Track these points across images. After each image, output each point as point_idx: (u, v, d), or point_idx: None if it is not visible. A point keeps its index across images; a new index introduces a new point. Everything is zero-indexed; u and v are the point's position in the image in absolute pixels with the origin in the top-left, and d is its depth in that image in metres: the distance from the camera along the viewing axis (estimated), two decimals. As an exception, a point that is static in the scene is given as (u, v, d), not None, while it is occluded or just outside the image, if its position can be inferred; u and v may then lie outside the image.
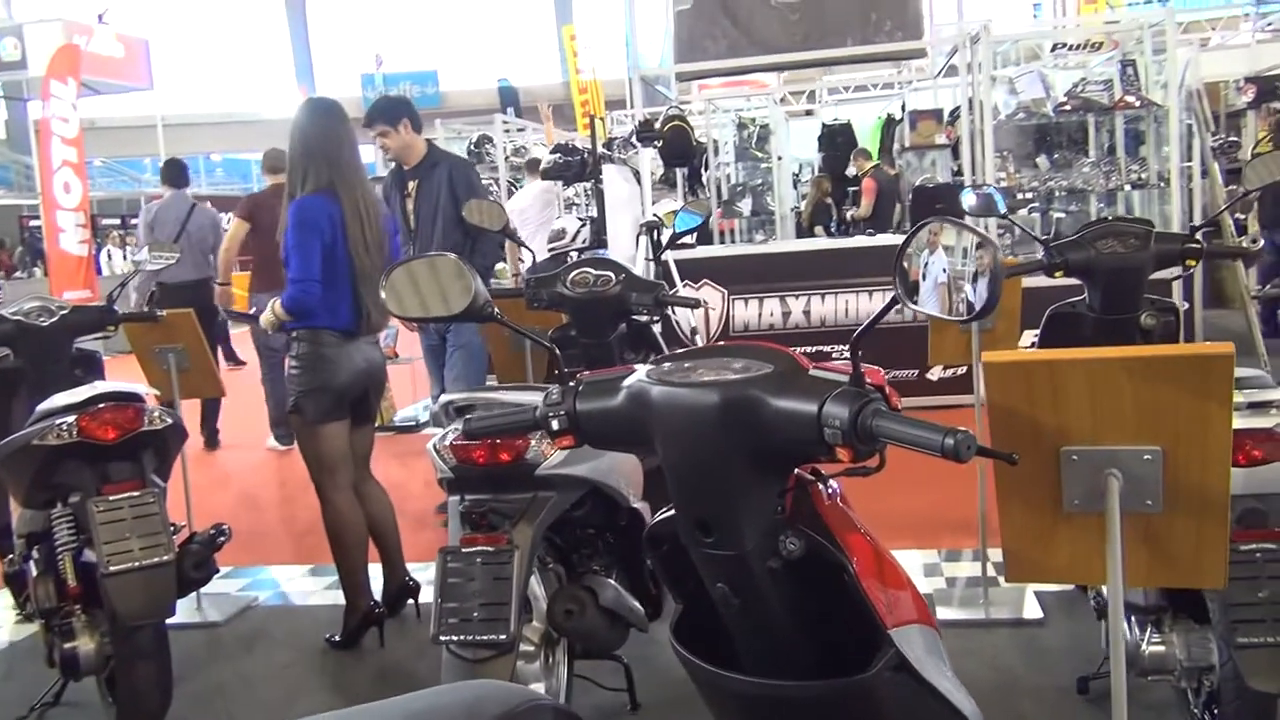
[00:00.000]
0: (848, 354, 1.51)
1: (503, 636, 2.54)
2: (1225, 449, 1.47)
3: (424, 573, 4.58)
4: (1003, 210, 3.65)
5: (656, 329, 3.90)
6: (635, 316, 3.76)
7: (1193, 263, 3.50)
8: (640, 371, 1.64)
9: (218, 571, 3.62)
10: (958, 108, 10.10)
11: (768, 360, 1.55)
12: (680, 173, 9.75)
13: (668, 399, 1.54)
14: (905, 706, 1.59)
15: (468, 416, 1.75)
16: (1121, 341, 3.34)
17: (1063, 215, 7.97)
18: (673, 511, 1.73)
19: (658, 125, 8.34)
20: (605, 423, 1.65)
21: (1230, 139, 8.94)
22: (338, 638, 3.98)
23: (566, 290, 3.72)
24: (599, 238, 7.67)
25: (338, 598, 4.10)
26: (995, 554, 4.38)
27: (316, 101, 4.00)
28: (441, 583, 2.62)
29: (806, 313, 7.57)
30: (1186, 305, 5.67)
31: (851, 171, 12.97)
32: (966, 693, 1.63)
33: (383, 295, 1.78)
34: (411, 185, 5.25)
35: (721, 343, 1.52)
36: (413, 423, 7.92)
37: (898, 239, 7.83)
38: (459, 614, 2.58)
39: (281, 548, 5.52)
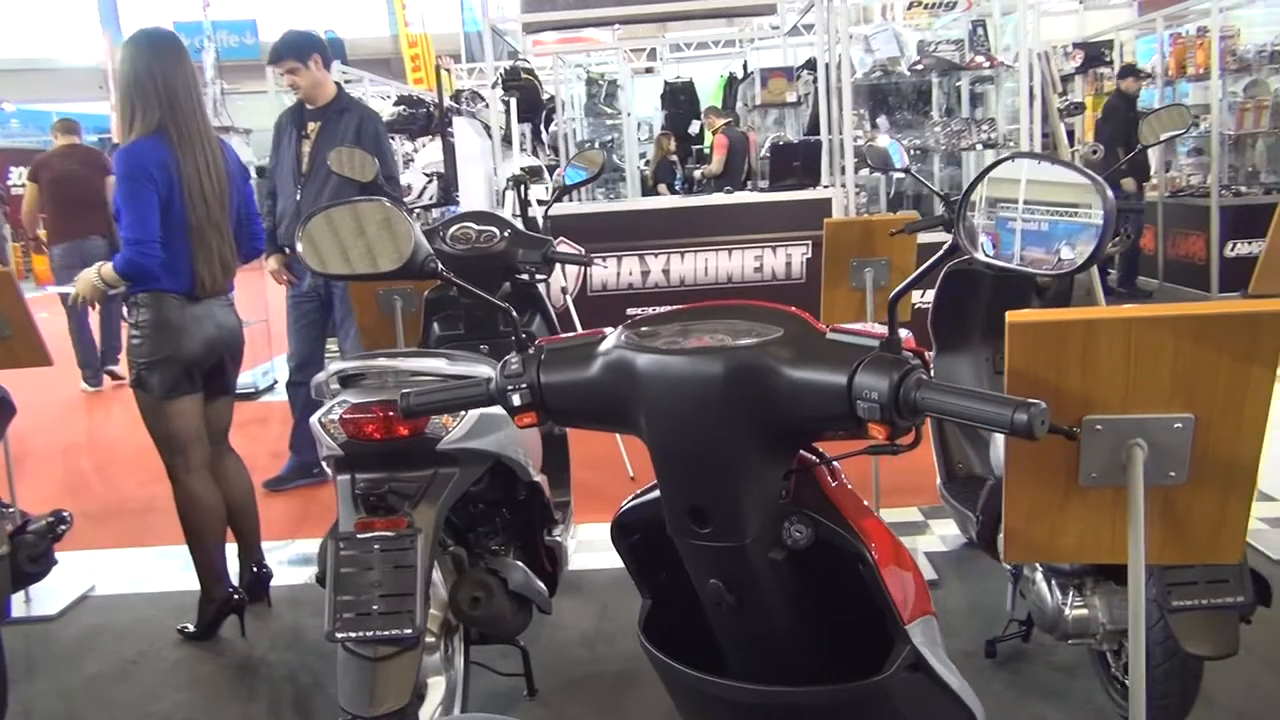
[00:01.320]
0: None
1: (408, 631, 2.29)
2: (1263, 416, 1.35)
3: (275, 553, 4.25)
4: (903, 164, 3.53)
5: (542, 288, 3.66)
6: (520, 275, 3.51)
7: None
8: (613, 337, 1.42)
9: (56, 563, 3.23)
10: (803, 65, 10.10)
11: (773, 322, 1.35)
12: (525, 128, 9.45)
13: (659, 370, 1.32)
14: (920, 708, 1.43)
15: (405, 392, 1.49)
16: (1018, 299, 3.29)
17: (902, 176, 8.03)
18: (646, 497, 1.52)
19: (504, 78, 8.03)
20: (576, 397, 1.42)
21: (1075, 101, 9.19)
22: (192, 628, 3.63)
23: (446, 247, 3.45)
24: (448, 193, 7.33)
25: (188, 582, 3.73)
26: (885, 515, 4.34)
27: (151, 33, 3.53)
28: (335, 573, 2.35)
29: (666, 272, 7.42)
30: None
31: (695, 129, 12.90)
32: (971, 690, 1.49)
33: (299, 248, 1.50)
34: (313, 127, 4.86)
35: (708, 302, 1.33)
36: (251, 389, 7.46)
37: (757, 196, 7.79)
38: (356, 608, 2.31)
39: (119, 527, 5.04)
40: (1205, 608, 2.28)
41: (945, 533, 4.20)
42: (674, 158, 11.43)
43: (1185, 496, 1.42)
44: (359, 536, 2.37)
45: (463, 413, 2.52)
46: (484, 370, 2.92)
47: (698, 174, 11.07)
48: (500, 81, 7.72)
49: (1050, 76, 7.32)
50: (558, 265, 3.69)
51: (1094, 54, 10.85)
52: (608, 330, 1.45)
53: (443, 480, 2.48)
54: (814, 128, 9.21)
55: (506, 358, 1.45)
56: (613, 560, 3.50)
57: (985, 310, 3.46)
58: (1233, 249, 8.70)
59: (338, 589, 2.33)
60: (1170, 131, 3.43)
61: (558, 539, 3.10)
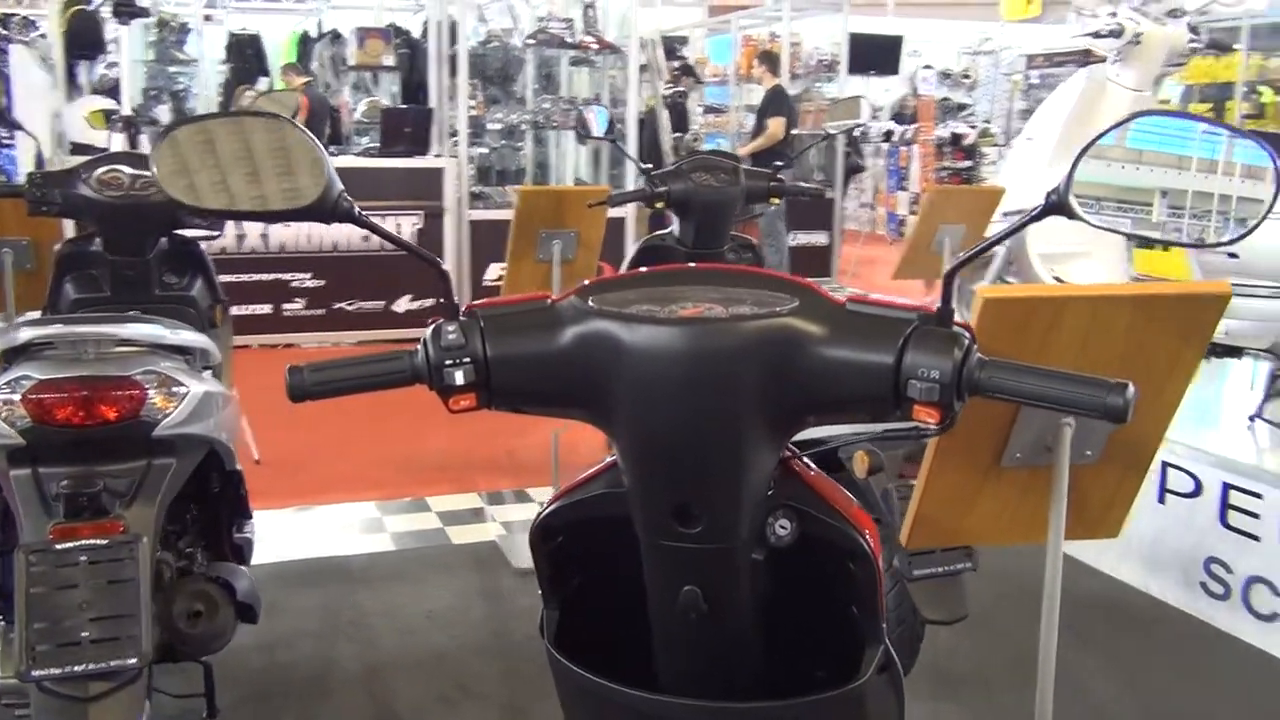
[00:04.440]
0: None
1: (131, 660, 1.87)
2: (1180, 396, 1.39)
3: None
4: (599, 133, 3.43)
5: (205, 245, 3.16)
6: (181, 230, 3.01)
7: (776, 200, 3.55)
8: (569, 303, 1.18)
9: None
10: (390, 26, 9.70)
11: (778, 289, 1.17)
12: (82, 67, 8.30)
13: (655, 343, 1.10)
14: (883, 709, 1.33)
15: (296, 365, 1.15)
16: None
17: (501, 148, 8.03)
18: (578, 496, 1.29)
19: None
20: (533, 375, 1.17)
21: (679, 89, 9.59)
22: None
23: (91, 192, 2.87)
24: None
25: None
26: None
27: None
28: (24, 596, 1.86)
29: (265, 236, 6.82)
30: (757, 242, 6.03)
31: (264, 86, 12.03)
32: None
33: (153, 170, 1.11)
34: None
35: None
36: None
37: (364, 161, 7.34)
38: (59, 637, 1.85)
39: None
40: (941, 575, 2.38)
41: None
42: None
43: (1091, 475, 1.44)
44: (58, 548, 1.89)
45: (184, 389, 2.10)
46: (196, 338, 2.47)
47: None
48: (115, 6, 6.71)
49: (657, 64, 7.55)
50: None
51: (668, 47, 11.38)
52: (550, 296, 1.21)
53: (159, 473, 2.05)
54: (408, 95, 8.90)
55: (438, 325, 1.16)
56: (266, 555, 3.10)
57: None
58: (794, 239, 9.47)
59: (31, 615, 1.85)
60: (848, 121, 3.60)
61: (247, 535, 2.69)
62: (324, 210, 1.17)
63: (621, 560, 1.27)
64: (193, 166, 1.11)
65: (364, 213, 1.22)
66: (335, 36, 10.57)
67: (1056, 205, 1.05)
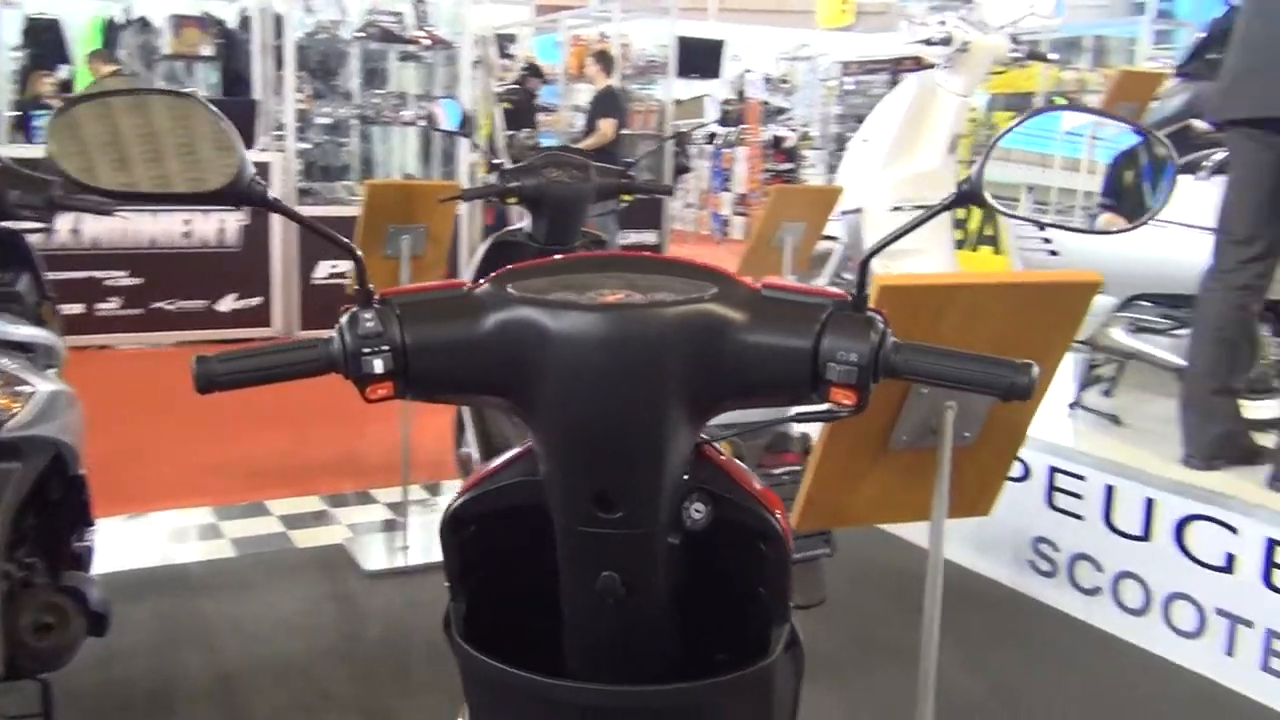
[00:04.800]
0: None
1: (-19, 679, 1.74)
2: (1049, 380, 1.47)
3: None
4: (451, 127, 3.39)
5: (37, 239, 2.97)
6: (8, 223, 2.83)
7: (627, 197, 3.58)
8: (487, 290, 1.17)
9: None
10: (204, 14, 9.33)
11: (693, 276, 1.19)
12: None
13: (579, 328, 1.11)
14: (788, 685, 1.36)
15: (202, 356, 1.10)
16: None
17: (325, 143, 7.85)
18: (488, 486, 1.28)
19: None
20: (454, 363, 1.15)
21: (527, 89, 9.52)
22: None
23: (-98, 180, 2.67)
24: None
25: None
26: (417, 493, 4.18)
27: None
28: None
29: (76, 231, 6.46)
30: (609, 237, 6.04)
31: (64, 74, 11.41)
32: None
33: (49, 148, 1.03)
34: None
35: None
36: None
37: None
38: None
39: None
40: (800, 561, 2.46)
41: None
42: (56, 102, 10.01)
43: (968, 456, 1.51)
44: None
45: (29, 389, 1.98)
46: (40, 334, 2.32)
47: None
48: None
49: (490, 60, 7.50)
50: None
51: (499, 47, 11.32)
52: (464, 283, 1.19)
53: (2, 479, 1.93)
54: (226, 88, 8.58)
55: (352, 312, 1.13)
56: (95, 565, 2.96)
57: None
58: (624, 238, 9.56)
59: None
60: (693, 120, 3.65)
61: (88, 543, 2.55)
62: (235, 194, 1.13)
63: (532, 549, 1.26)
64: (92, 145, 1.05)
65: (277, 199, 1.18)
66: (144, 24, 10.10)
67: (969, 194, 1.10)
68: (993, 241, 8.36)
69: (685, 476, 1.22)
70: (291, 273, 6.94)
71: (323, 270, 6.99)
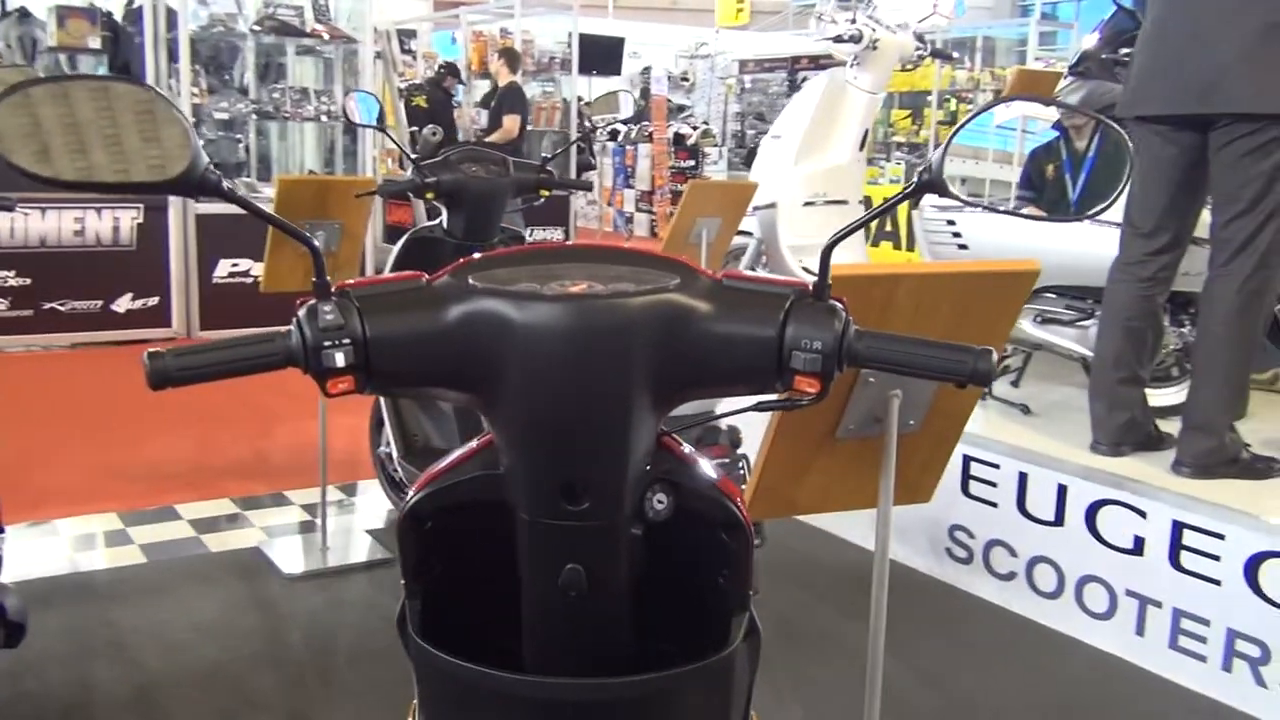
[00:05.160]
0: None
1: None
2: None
3: None
4: (367, 120, 3.34)
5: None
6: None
7: (545, 192, 3.58)
8: (447, 282, 1.15)
9: None
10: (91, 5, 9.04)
11: (653, 267, 1.19)
12: None
13: (544, 320, 1.10)
14: (746, 674, 1.37)
15: (155, 351, 1.06)
16: None
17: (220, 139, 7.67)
18: (447, 481, 1.26)
19: None
20: (416, 355, 1.13)
21: (444, 87, 9.36)
22: None
23: None
24: None
25: None
26: (332, 493, 4.10)
27: None
28: None
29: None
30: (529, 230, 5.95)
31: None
32: None
33: None
34: None
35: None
36: None
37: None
38: None
39: None
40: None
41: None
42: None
43: (911, 444, 1.54)
44: None
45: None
46: None
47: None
48: None
49: (391, 56, 7.40)
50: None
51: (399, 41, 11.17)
52: (422, 275, 1.18)
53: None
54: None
55: (311, 304, 1.11)
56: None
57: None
58: (531, 234, 9.54)
59: None
60: (609, 114, 3.66)
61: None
62: (190, 184, 1.09)
63: (488, 544, 1.25)
64: (47, 130, 1.01)
65: (231, 186, 1.15)
66: (24, 14, 9.75)
67: (929, 184, 1.13)
68: (893, 237, 8.53)
69: (648, 467, 1.23)
70: (190, 272, 6.75)
71: (223, 269, 6.82)
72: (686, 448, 1.30)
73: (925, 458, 1.60)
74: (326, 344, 1.10)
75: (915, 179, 1.13)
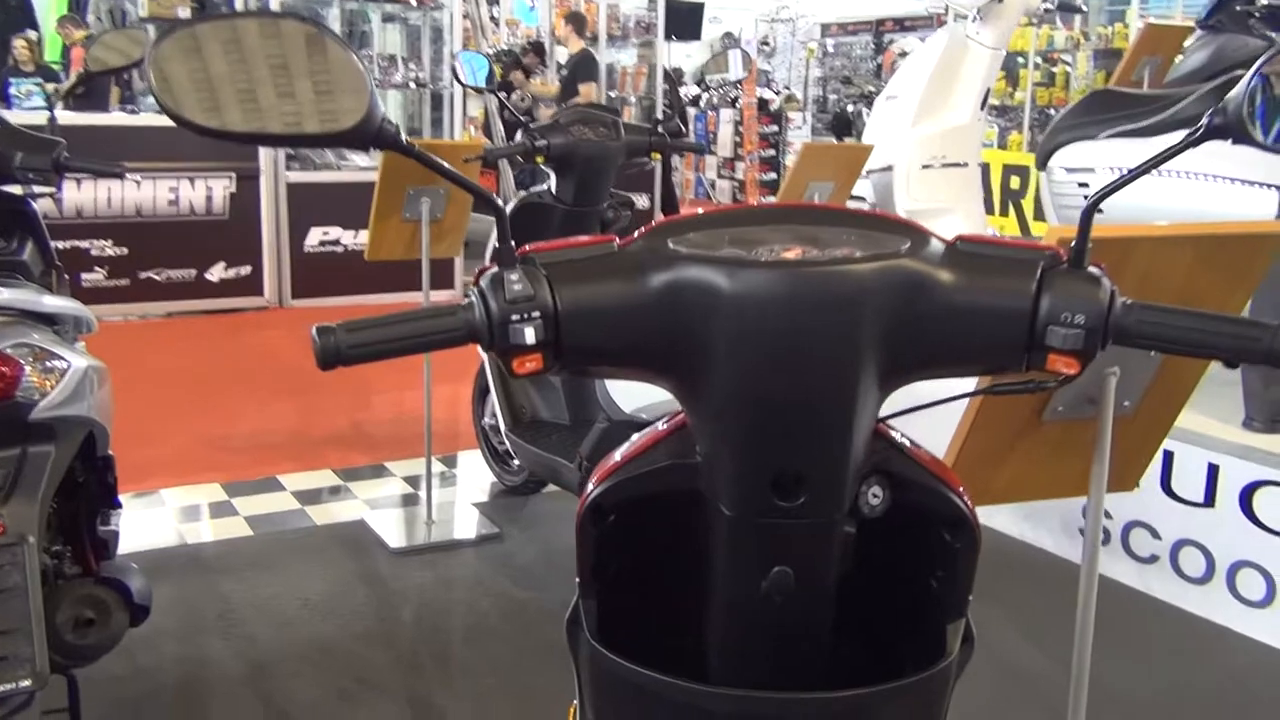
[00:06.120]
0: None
1: (25, 682, 1.60)
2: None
3: None
4: (477, 82, 3.22)
5: (43, 205, 2.79)
6: (10, 188, 2.65)
7: (657, 155, 3.44)
8: (642, 247, 1.02)
9: None
10: None
11: (876, 229, 1.05)
12: None
13: (760, 289, 0.96)
14: (949, 692, 1.23)
15: (325, 326, 0.95)
16: (586, 233, 3.17)
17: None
18: (635, 471, 1.13)
19: None
20: (614, 330, 1.00)
21: (526, 64, 9.28)
22: None
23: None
24: None
25: None
26: (397, 467, 4.04)
27: None
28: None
29: (58, 201, 6.22)
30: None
31: (34, 37, 11.12)
32: None
33: (149, 79, 0.87)
34: None
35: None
36: None
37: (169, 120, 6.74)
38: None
39: None
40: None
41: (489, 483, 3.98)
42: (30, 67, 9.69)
43: (1122, 426, 1.38)
44: (-77, 553, 1.60)
45: (64, 365, 1.81)
46: (69, 304, 2.15)
47: (50, 88, 9.48)
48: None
49: (480, 21, 7.29)
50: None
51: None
52: (614, 239, 1.04)
53: (38, 462, 1.77)
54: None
55: (497, 274, 0.98)
56: None
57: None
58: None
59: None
60: (719, 74, 3.49)
61: (114, 528, 2.39)
62: (366, 136, 0.97)
63: (676, 541, 1.13)
64: (214, 75, 0.88)
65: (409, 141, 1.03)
66: (115, -14, 9.85)
67: (1223, 127, 0.97)
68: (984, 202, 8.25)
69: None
70: (282, 241, 6.73)
71: (314, 238, 6.79)
72: (899, 434, 1.16)
73: (1136, 442, 1.44)
74: (515, 318, 0.98)
75: (1206, 120, 0.97)
